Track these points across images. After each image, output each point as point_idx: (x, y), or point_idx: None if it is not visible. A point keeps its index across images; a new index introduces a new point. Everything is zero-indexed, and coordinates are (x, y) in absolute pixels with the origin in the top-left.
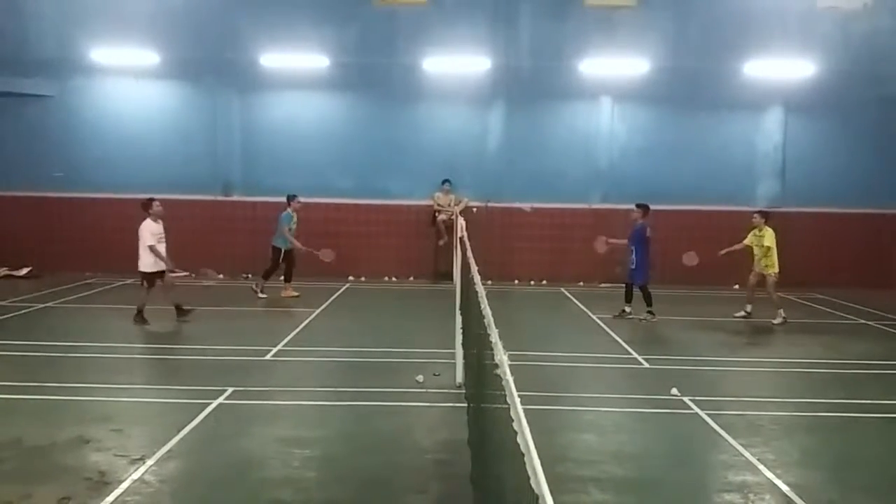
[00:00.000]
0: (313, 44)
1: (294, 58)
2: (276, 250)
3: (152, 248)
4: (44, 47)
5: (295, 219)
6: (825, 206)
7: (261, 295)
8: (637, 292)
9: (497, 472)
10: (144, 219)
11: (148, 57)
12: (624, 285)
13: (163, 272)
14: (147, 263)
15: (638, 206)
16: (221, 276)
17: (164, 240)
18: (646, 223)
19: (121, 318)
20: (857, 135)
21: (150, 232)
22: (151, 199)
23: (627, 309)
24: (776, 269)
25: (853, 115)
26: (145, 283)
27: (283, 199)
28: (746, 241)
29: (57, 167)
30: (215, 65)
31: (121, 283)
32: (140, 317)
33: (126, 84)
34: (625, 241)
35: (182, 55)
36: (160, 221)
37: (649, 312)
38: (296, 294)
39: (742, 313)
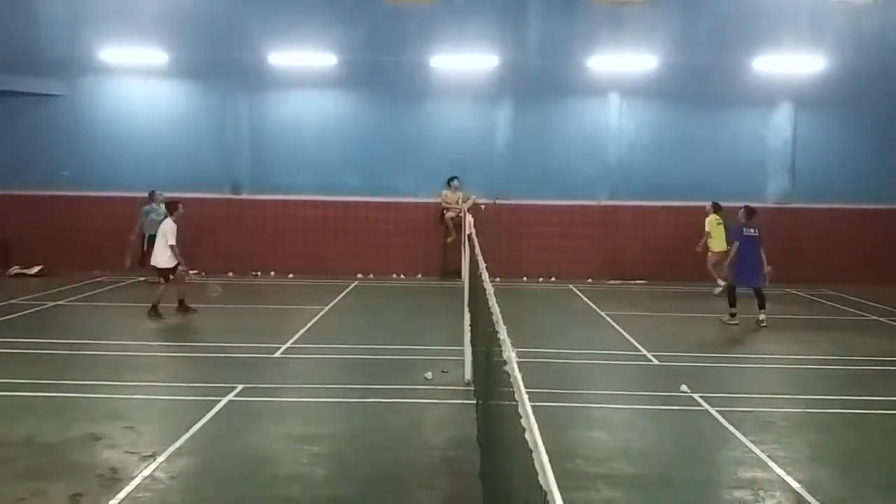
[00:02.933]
0: (321, 42)
1: (302, 56)
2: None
3: (173, 248)
4: (54, 47)
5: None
6: (835, 202)
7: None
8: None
9: (506, 469)
10: (166, 217)
11: (157, 56)
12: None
13: (176, 267)
14: (164, 259)
15: (746, 207)
16: (220, 289)
17: (178, 238)
18: (745, 223)
19: (131, 315)
20: (868, 130)
21: (173, 232)
22: (177, 202)
23: (762, 317)
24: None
25: (863, 111)
26: (162, 280)
27: (293, 198)
28: (707, 229)
29: (67, 166)
30: (224, 64)
31: (131, 280)
32: (155, 311)
33: (135, 83)
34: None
35: (191, 54)
36: (177, 225)
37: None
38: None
39: (718, 290)
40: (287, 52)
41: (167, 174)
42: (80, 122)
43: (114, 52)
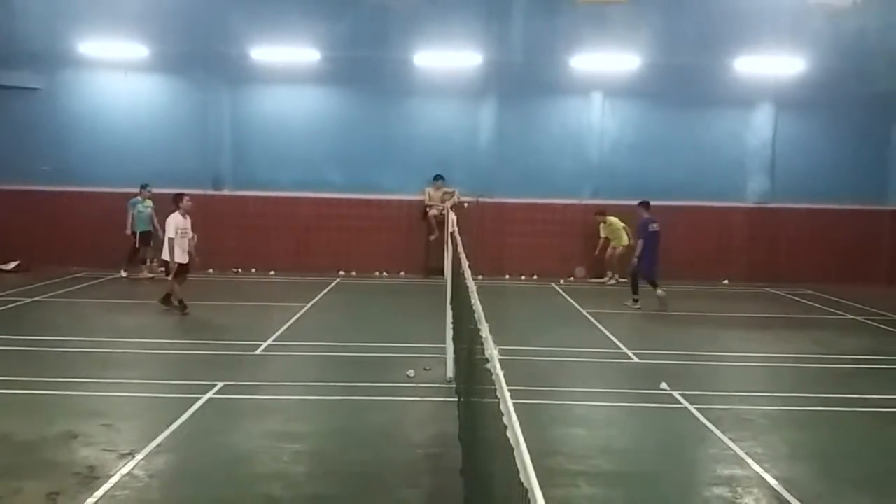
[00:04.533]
0: (304, 37)
1: (285, 51)
2: (135, 235)
3: (170, 241)
4: (32, 40)
5: (145, 204)
6: (814, 202)
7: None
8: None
9: (487, 466)
10: (173, 211)
11: (137, 50)
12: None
13: (187, 265)
14: (177, 255)
15: (639, 203)
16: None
17: (187, 234)
18: (650, 217)
19: (110, 312)
20: (846, 131)
21: (175, 225)
22: (182, 194)
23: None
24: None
25: (842, 112)
26: (173, 275)
27: (275, 194)
28: (603, 234)
29: (45, 160)
30: (205, 58)
31: (110, 277)
32: (180, 304)
33: (115, 77)
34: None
35: (172, 48)
36: (188, 217)
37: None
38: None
39: (613, 282)
40: (269, 47)
41: (148, 169)
42: (59, 116)
43: (93, 46)
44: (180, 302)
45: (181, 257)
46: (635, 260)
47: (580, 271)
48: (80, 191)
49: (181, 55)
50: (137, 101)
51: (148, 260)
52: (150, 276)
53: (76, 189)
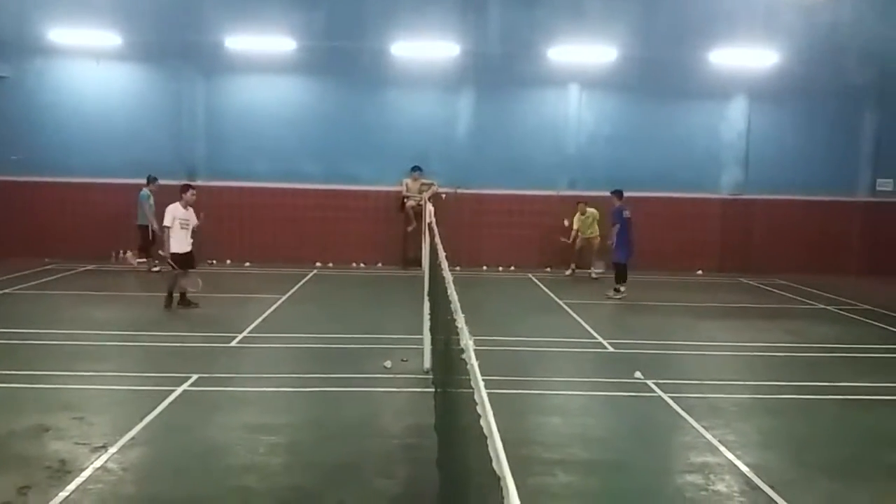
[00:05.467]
0: (279, 26)
1: (260, 40)
2: (143, 228)
3: (164, 229)
4: (0, 27)
5: (152, 199)
6: (787, 194)
7: (153, 270)
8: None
9: (462, 456)
10: (176, 201)
11: (109, 38)
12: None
13: (190, 255)
14: (173, 245)
15: (614, 192)
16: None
17: (188, 226)
18: (623, 205)
19: (82, 304)
20: (819, 124)
21: (173, 215)
22: (188, 186)
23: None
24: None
25: (815, 105)
26: (175, 267)
27: (251, 185)
28: (576, 225)
29: (14, 150)
30: (179, 47)
31: (82, 269)
32: (184, 300)
33: (87, 66)
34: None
35: (145, 37)
36: (190, 209)
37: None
38: (142, 261)
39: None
40: (244, 36)
41: (120, 160)
42: (28, 105)
43: (64, 33)
44: (170, 295)
45: (179, 248)
46: (611, 244)
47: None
48: (51, 181)
49: (155, 44)
50: (110, 91)
51: (125, 252)
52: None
53: (47, 179)
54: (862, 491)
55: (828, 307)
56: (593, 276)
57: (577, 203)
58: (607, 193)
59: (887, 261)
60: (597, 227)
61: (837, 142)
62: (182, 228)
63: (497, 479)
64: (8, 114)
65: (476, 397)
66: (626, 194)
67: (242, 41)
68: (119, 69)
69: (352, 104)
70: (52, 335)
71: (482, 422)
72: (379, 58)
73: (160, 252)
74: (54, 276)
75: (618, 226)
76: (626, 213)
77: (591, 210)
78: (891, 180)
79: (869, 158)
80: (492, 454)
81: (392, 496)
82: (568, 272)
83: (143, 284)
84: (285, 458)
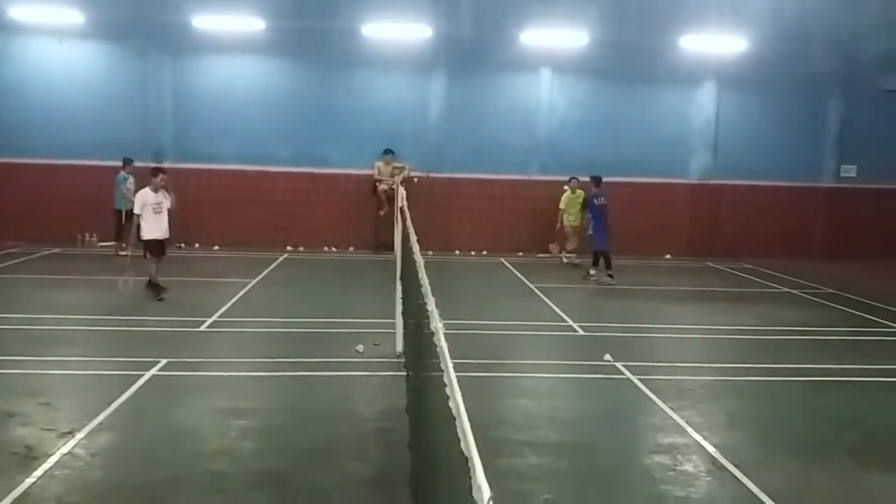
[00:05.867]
0: (248, 5)
1: (228, 20)
2: (118, 212)
3: (137, 218)
4: None
5: (130, 181)
6: (754, 180)
7: (121, 253)
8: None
9: (432, 438)
10: (145, 187)
11: (73, 16)
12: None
13: (161, 242)
14: (145, 231)
15: (591, 178)
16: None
17: (161, 210)
18: (598, 192)
19: (47, 288)
20: (786, 110)
21: (143, 201)
22: (158, 169)
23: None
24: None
25: (782, 92)
26: (147, 254)
27: (219, 167)
28: (562, 205)
29: None
30: (145, 26)
31: (47, 252)
32: (154, 288)
33: (49, 44)
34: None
35: (109, 15)
36: (160, 191)
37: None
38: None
39: (566, 260)
40: (212, 15)
41: (85, 141)
42: None
43: (24, 10)
44: (150, 282)
45: (152, 234)
46: (590, 234)
47: (555, 247)
48: (14, 162)
49: (119, 22)
50: (73, 70)
51: (91, 235)
52: (125, 254)
53: (10, 160)
54: (825, 471)
55: (793, 291)
56: (564, 260)
57: (569, 179)
58: (581, 178)
59: (851, 245)
60: (580, 211)
61: (803, 128)
62: (155, 213)
63: (465, 460)
64: None
65: (445, 379)
66: (592, 178)
67: (210, 20)
68: (83, 48)
69: (322, 85)
70: (16, 320)
71: (450, 403)
72: (350, 38)
73: (139, 238)
74: (18, 260)
75: (590, 215)
76: (600, 201)
77: (580, 191)
78: (854, 167)
79: (833, 145)
80: (460, 435)
81: (364, 479)
82: (564, 258)
83: (110, 269)
84: (256, 443)
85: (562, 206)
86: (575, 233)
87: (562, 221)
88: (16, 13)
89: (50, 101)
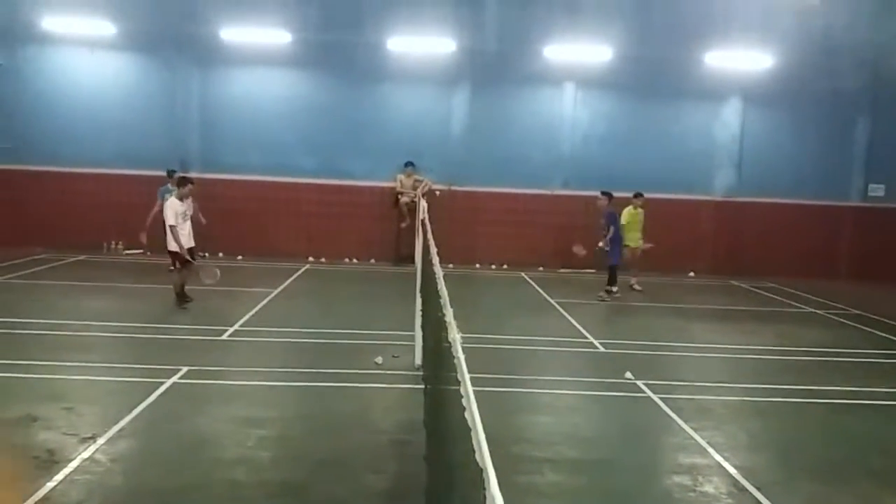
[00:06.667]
0: (275, 19)
1: (255, 32)
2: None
3: (171, 230)
4: None
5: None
6: (779, 197)
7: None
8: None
9: (449, 450)
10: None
11: (104, 27)
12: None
13: (191, 250)
14: (170, 241)
15: (604, 193)
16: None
17: (187, 218)
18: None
19: (73, 294)
20: (812, 128)
21: (174, 210)
22: (186, 179)
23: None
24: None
25: (809, 108)
26: (177, 264)
27: (244, 178)
28: (625, 218)
29: (5, 138)
30: (174, 37)
31: (73, 259)
32: (181, 299)
33: (81, 54)
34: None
35: (139, 26)
36: (187, 200)
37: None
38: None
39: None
40: (240, 27)
41: (112, 150)
42: (21, 92)
43: (58, 21)
44: (179, 292)
45: (187, 242)
46: (606, 248)
47: (580, 249)
48: (44, 170)
49: (149, 34)
50: (103, 80)
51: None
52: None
53: (39, 168)
54: (847, 494)
55: (818, 311)
56: (636, 287)
57: (634, 195)
58: (599, 193)
59: (878, 266)
60: (641, 231)
61: (830, 146)
62: (184, 221)
63: (479, 471)
64: (0, 102)
65: (461, 390)
66: (619, 195)
67: (238, 33)
68: (113, 59)
69: (347, 98)
70: (42, 325)
71: (466, 414)
72: (375, 52)
73: (169, 249)
74: (46, 266)
75: (612, 228)
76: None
77: (641, 209)
78: (883, 186)
79: (861, 163)
80: (475, 446)
81: (380, 491)
82: (636, 285)
83: (135, 276)
84: (274, 452)
85: (623, 222)
86: (634, 255)
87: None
88: (48, 24)
89: (79, 110)
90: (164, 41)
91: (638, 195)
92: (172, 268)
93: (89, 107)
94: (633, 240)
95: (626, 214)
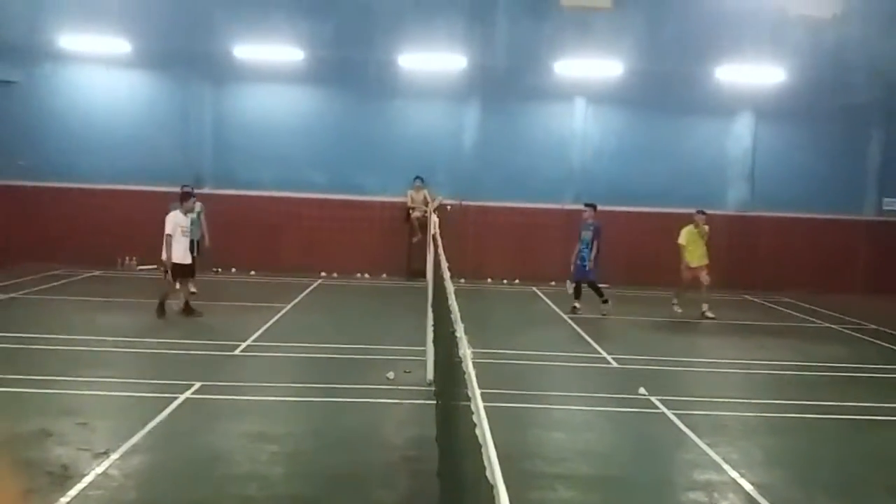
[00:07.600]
0: (288, 36)
1: (268, 50)
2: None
3: (167, 239)
4: (10, 31)
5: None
6: (791, 212)
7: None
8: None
9: (460, 466)
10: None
11: (119, 45)
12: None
13: (190, 265)
14: (175, 254)
15: (587, 205)
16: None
17: (188, 234)
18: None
19: (87, 310)
20: (825, 142)
21: (174, 222)
22: (188, 194)
23: (578, 305)
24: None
25: (821, 123)
26: (168, 274)
27: (257, 193)
28: (683, 241)
29: (22, 155)
30: (188, 55)
31: (88, 274)
32: (188, 308)
33: (96, 72)
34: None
35: (154, 44)
36: (191, 214)
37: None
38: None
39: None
40: (253, 45)
41: (126, 166)
42: (36, 110)
43: (74, 40)
44: (187, 304)
45: (180, 258)
46: (590, 264)
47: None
48: (59, 186)
49: (164, 52)
50: (118, 97)
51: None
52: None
53: (54, 185)
54: None
55: (833, 326)
56: (677, 310)
57: (696, 211)
58: (612, 208)
59: (893, 280)
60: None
61: (843, 160)
62: (183, 236)
63: (490, 487)
64: (17, 119)
65: (472, 406)
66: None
67: (251, 50)
68: (128, 76)
69: (358, 114)
70: (57, 340)
71: (476, 430)
72: (386, 69)
73: (162, 259)
74: (60, 282)
75: (595, 243)
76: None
77: (705, 227)
78: None
79: (875, 177)
80: (485, 463)
81: None
82: (677, 307)
83: (148, 292)
84: (287, 468)
85: (682, 241)
86: (696, 276)
87: (684, 264)
88: (65, 42)
89: (93, 127)
90: (179, 59)
91: (701, 212)
92: (165, 277)
93: (104, 124)
94: (697, 258)
95: (686, 234)
